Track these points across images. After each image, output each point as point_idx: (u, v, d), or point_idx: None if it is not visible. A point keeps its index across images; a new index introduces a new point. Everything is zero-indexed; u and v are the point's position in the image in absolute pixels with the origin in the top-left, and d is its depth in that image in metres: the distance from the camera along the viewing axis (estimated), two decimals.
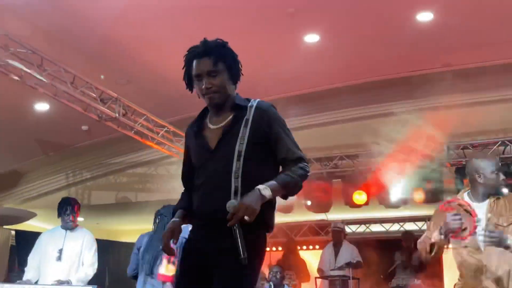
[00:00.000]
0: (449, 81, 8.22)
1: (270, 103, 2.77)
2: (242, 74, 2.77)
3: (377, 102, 9.09)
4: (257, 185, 2.50)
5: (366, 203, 9.08)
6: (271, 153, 2.68)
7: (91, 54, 7.72)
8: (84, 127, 10.04)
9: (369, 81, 8.83)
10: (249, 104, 2.71)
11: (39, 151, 10.98)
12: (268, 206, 2.58)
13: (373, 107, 9.18)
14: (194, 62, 2.68)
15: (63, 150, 11.18)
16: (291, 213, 9.79)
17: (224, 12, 6.97)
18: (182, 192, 2.91)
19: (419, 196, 8.66)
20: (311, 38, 7.78)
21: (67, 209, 5.53)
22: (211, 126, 2.72)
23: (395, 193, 8.84)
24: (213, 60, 2.64)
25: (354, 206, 9.19)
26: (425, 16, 7.13)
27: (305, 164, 2.67)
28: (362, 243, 9.47)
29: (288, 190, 2.60)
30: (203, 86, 2.65)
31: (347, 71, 8.60)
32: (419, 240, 3.81)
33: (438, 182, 8.53)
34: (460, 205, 3.68)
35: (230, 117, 2.69)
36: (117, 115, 8.04)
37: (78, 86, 7.48)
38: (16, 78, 6.78)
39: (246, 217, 2.38)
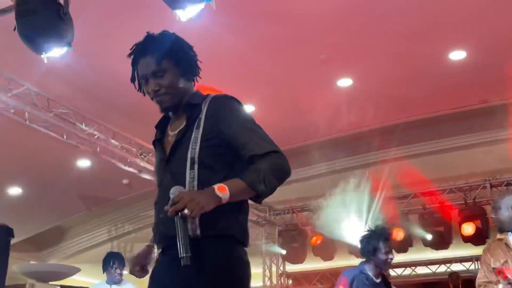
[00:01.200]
0: (487, 117, 8.14)
1: (231, 96, 2.32)
2: (200, 69, 2.37)
3: (413, 142, 9.02)
4: None
5: (410, 244, 8.91)
6: (232, 154, 2.20)
7: (130, 109, 7.91)
8: (125, 181, 10.20)
9: (403, 121, 8.79)
10: (204, 101, 2.29)
11: (81, 206, 11.18)
12: (234, 210, 2.14)
13: (409, 147, 9.11)
14: (138, 62, 2.31)
15: (104, 204, 11.35)
16: (334, 259, 9.68)
17: (257, 61, 7.10)
18: None
19: (468, 231, 8.47)
20: (344, 82, 7.84)
21: (115, 263, 5.56)
22: (170, 133, 2.34)
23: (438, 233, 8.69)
24: (156, 58, 2.24)
25: (396, 247, 9.02)
26: (458, 55, 7.12)
27: (279, 156, 2.16)
28: (408, 286, 9.23)
29: (257, 189, 2.09)
30: (150, 89, 2.28)
31: (381, 113, 8.58)
32: (478, 284, 3.71)
33: (483, 221, 8.34)
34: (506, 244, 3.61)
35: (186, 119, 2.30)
36: None
37: (118, 141, 7.67)
38: (58, 137, 7.00)
39: (186, 210, 1.93)
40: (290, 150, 9.46)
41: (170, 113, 2.38)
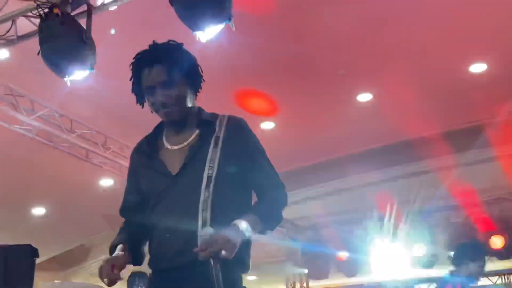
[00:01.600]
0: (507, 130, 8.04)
1: (243, 119, 2.31)
2: (204, 81, 2.30)
3: (433, 156, 8.94)
4: (230, 216, 2.03)
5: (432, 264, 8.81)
6: (245, 177, 2.19)
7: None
8: None
9: (424, 135, 8.72)
10: (219, 119, 2.25)
11: (105, 225, 11.23)
12: (245, 241, 2.09)
13: (430, 161, 9.03)
14: (144, 72, 2.20)
15: None
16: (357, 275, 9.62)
17: (275, 79, 7.13)
18: (121, 227, 2.41)
19: (497, 244, 8.36)
20: (364, 97, 7.82)
21: (139, 282, 5.60)
22: (170, 147, 2.25)
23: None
24: (167, 68, 2.16)
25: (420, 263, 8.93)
26: (478, 68, 7.07)
27: (284, 191, 2.23)
28: None
29: (269, 224, 2.16)
30: (158, 100, 2.19)
31: (402, 127, 8.54)
32: None
33: (510, 235, 8.23)
34: None
35: (195, 134, 2.22)
36: None
37: None
38: (82, 157, 7.09)
39: (224, 252, 1.88)
40: (310, 167, 9.45)
41: (168, 126, 2.30)
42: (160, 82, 2.16)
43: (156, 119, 2.41)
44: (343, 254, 9.38)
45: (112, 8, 4.40)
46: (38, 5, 4.13)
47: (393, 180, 9.49)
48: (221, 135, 2.17)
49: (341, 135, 8.43)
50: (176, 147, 2.22)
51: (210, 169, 2.09)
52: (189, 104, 2.24)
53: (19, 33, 4.75)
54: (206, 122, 2.23)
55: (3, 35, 4.66)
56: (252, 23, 5.66)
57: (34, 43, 4.35)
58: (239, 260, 2.05)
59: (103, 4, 4.41)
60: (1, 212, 9.81)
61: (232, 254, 1.91)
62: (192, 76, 2.24)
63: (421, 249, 8.84)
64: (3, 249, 6.77)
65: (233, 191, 2.14)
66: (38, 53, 4.12)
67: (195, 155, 2.15)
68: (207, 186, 2.07)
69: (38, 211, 10.33)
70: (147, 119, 2.34)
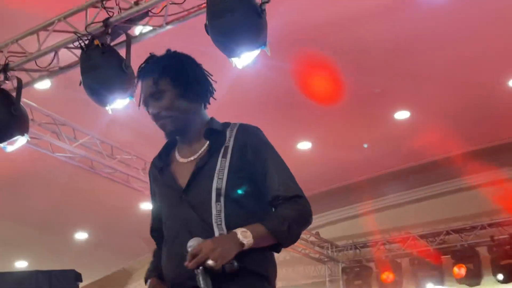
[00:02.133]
0: None
1: (257, 127, 2.16)
2: (214, 91, 2.19)
3: (477, 171, 8.78)
4: None
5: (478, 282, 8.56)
6: (259, 188, 2.05)
7: None
8: None
9: (465, 151, 8.59)
10: (229, 128, 2.11)
11: (146, 249, 11.33)
12: (262, 249, 1.97)
13: (474, 177, 8.87)
14: (140, 85, 2.15)
15: None
16: None
17: (313, 97, 7.14)
18: (155, 251, 2.30)
19: None
20: (402, 114, 7.77)
21: None
22: (181, 160, 2.14)
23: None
24: (153, 79, 2.07)
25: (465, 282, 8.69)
26: None
27: (304, 203, 2.02)
28: None
29: (280, 238, 1.94)
30: (151, 113, 2.11)
31: (441, 144, 8.43)
32: None
33: None
34: None
35: (205, 146, 2.10)
36: None
37: None
38: (122, 182, 7.21)
39: (210, 261, 1.78)
40: (348, 186, 9.39)
41: (178, 138, 2.19)
42: (150, 94, 2.10)
43: None
44: (389, 275, 9.16)
45: (150, 37, 4.50)
46: (79, 37, 4.25)
47: (434, 197, 9.35)
48: (230, 145, 2.05)
49: (379, 153, 8.38)
50: (187, 160, 2.12)
51: (218, 182, 1.99)
52: (187, 114, 2.12)
53: (61, 64, 4.88)
54: (215, 132, 2.11)
55: (46, 66, 4.80)
56: (286, 46, 5.71)
57: (75, 74, 4.48)
58: (256, 273, 1.95)
59: (141, 34, 4.51)
60: (46, 237, 10.04)
61: (220, 263, 1.79)
62: (185, 83, 2.10)
63: (462, 268, 8.63)
64: (48, 274, 6.93)
65: (247, 203, 2.02)
66: (80, 83, 4.23)
67: (203, 168, 2.04)
68: (218, 199, 1.96)
69: (81, 235, 10.52)
70: None
